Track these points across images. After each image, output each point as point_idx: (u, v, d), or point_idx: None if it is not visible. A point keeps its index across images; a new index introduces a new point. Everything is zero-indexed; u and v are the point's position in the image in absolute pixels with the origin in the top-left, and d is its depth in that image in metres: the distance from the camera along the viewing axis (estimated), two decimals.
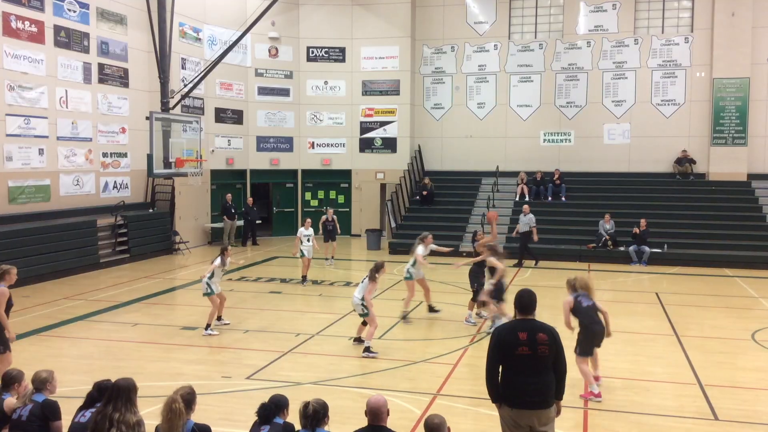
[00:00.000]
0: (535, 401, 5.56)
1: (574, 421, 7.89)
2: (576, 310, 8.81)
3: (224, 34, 23.39)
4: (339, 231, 20.05)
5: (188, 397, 5.08)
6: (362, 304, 10.55)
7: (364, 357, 10.45)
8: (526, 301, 5.79)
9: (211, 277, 11.91)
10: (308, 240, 16.79)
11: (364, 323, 10.90)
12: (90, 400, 5.50)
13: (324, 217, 19.85)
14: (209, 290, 11.90)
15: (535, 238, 19.92)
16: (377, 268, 10.69)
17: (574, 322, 8.83)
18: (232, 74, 24.59)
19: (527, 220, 19.97)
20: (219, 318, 12.36)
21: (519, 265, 19.65)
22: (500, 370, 5.68)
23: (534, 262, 19.96)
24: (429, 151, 26.62)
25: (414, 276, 13.12)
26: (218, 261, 12.02)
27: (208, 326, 11.86)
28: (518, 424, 5.59)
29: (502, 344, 5.60)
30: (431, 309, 13.40)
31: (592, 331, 8.71)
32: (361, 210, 26.25)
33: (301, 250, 16.74)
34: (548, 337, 5.62)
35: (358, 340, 11.10)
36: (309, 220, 17.53)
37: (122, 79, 20.70)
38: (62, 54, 18.43)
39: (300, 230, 17.05)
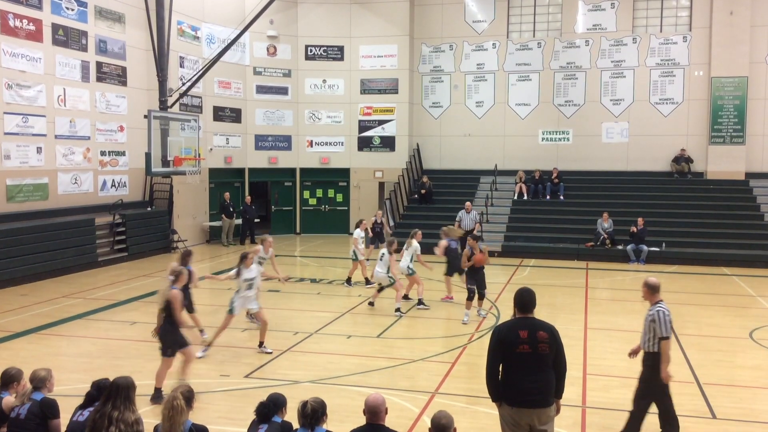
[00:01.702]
0: (535, 400, 5.56)
1: (572, 420, 7.90)
2: (447, 250, 14.43)
3: (222, 33, 23.37)
4: (390, 232, 19.36)
5: (187, 395, 5.09)
6: (389, 276, 13.21)
7: (419, 308, 13.61)
8: (526, 299, 5.78)
9: (238, 292, 10.55)
10: (362, 242, 16.38)
11: (380, 290, 13.70)
12: (89, 399, 5.50)
13: (373, 219, 19.21)
14: (229, 307, 10.55)
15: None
16: (390, 244, 13.50)
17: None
18: (230, 73, 24.58)
19: (472, 217, 19.98)
20: (260, 344, 10.67)
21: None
22: (500, 368, 5.69)
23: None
24: (427, 149, 26.62)
25: (413, 271, 14.10)
26: (233, 272, 10.55)
27: (208, 346, 10.53)
28: (518, 423, 5.59)
29: (503, 343, 5.60)
30: (406, 296, 14.39)
31: (453, 263, 14.16)
32: (360, 208, 26.23)
33: (354, 252, 16.12)
34: (548, 335, 5.62)
35: (372, 304, 13.74)
36: (365, 221, 17.05)
37: (120, 77, 20.68)
38: (60, 52, 18.41)
39: (356, 231, 16.44)
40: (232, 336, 11.66)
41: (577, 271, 18.88)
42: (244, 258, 10.43)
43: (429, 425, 4.83)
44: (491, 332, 5.84)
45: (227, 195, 23.72)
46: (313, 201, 26.82)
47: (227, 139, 24.89)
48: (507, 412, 5.63)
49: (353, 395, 8.64)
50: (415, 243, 14.16)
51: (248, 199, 24.48)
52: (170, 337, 8.50)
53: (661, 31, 24.47)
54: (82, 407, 5.52)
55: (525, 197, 23.73)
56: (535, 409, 5.56)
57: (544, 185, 23.84)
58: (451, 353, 10.68)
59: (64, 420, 5.63)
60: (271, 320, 12.69)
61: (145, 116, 18.70)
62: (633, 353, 7.58)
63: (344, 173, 26.56)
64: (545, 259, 20.24)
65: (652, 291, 7.12)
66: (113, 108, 20.44)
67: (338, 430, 5.34)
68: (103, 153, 20.18)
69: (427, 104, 26.63)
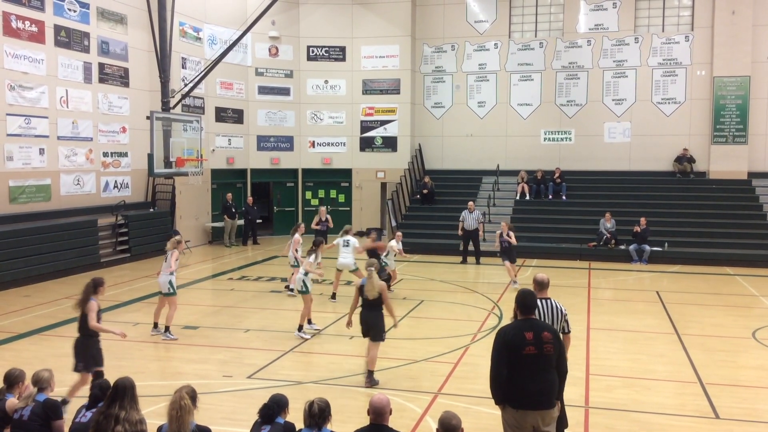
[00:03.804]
0: (540, 401, 5.56)
1: (574, 420, 7.88)
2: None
3: (224, 34, 23.39)
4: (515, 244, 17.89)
5: (192, 395, 5.11)
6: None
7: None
8: (528, 301, 5.79)
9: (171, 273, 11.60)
10: (387, 255, 15.34)
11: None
12: (93, 400, 5.51)
13: (498, 233, 17.38)
14: (173, 290, 11.60)
15: (481, 234, 20.03)
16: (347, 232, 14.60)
17: None
18: (232, 73, 24.59)
19: (475, 217, 19.97)
20: (155, 325, 11.89)
21: (464, 262, 20.05)
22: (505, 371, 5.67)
23: (476, 260, 20.11)
24: (429, 150, 26.62)
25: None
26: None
27: (166, 329, 11.56)
28: (522, 425, 5.58)
29: (509, 345, 5.58)
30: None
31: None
32: (362, 209, 26.24)
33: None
34: (552, 335, 5.64)
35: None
36: (399, 234, 16.53)
37: (123, 78, 20.70)
38: (62, 54, 18.43)
39: (391, 243, 15.64)
40: (234, 337, 11.68)
41: (579, 271, 18.86)
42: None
43: (433, 426, 4.83)
44: (495, 335, 5.82)
45: (229, 196, 23.72)
46: (315, 201, 26.80)
47: (229, 139, 24.90)
48: (511, 415, 5.62)
49: (356, 396, 8.65)
50: (393, 242, 15.48)
51: (250, 199, 24.49)
52: (383, 324, 9.25)
53: (663, 31, 24.44)
54: (86, 408, 5.54)
55: (527, 197, 23.71)
56: (540, 411, 5.56)
57: (546, 185, 23.82)
58: (454, 354, 10.67)
59: (68, 421, 5.64)
60: (274, 321, 12.73)
61: (148, 117, 18.70)
62: None
63: (346, 174, 26.56)
64: (547, 260, 20.21)
65: (538, 287, 7.09)
66: (115, 109, 20.47)
67: (342, 431, 5.34)
68: (105, 154, 20.20)
69: (429, 104, 26.62)
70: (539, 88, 25.44)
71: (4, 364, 7.50)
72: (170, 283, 11.49)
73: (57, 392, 6.01)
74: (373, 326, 9.25)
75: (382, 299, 9.25)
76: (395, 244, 15.66)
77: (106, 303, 14.23)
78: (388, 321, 9.44)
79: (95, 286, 8.25)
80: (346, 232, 14.92)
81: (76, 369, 8.04)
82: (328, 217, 18.20)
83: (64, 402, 7.77)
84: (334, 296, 14.73)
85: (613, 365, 10.15)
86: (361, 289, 9.34)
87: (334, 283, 14.90)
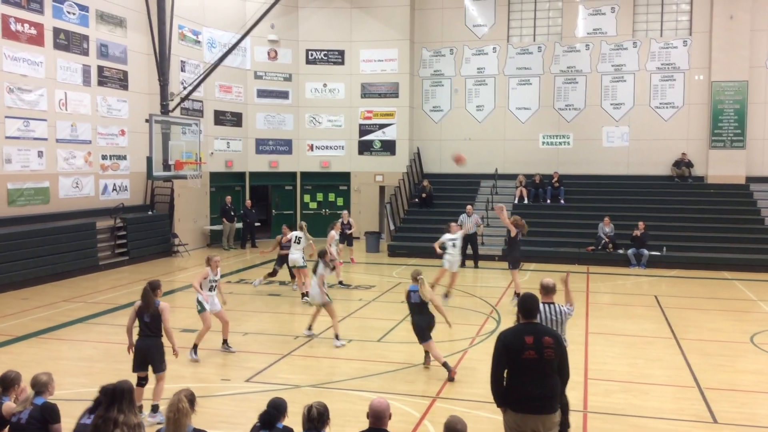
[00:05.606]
0: (541, 406, 5.55)
1: (573, 424, 7.87)
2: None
3: (223, 37, 23.41)
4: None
5: (190, 398, 5.11)
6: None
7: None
8: (530, 305, 5.80)
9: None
10: (453, 245, 14.35)
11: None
12: (98, 404, 5.49)
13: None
14: (200, 307, 10.68)
15: (480, 237, 20.15)
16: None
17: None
18: (231, 77, 24.60)
19: (473, 220, 20.03)
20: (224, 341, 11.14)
21: (462, 265, 19.86)
22: (505, 374, 5.68)
23: (474, 263, 20.12)
24: (428, 153, 26.63)
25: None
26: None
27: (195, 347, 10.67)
28: (522, 429, 5.59)
29: (509, 349, 5.59)
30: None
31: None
32: (360, 212, 26.23)
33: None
34: (553, 340, 5.63)
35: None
36: (452, 224, 15.01)
37: (122, 81, 20.71)
38: (62, 56, 18.43)
39: (445, 236, 14.56)
40: (232, 340, 11.64)
41: (577, 275, 18.86)
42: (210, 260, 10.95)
43: (431, 430, 4.82)
44: (496, 338, 5.84)
45: (228, 199, 23.74)
46: (313, 205, 26.82)
47: (228, 143, 24.91)
48: (512, 418, 5.63)
49: (354, 399, 8.64)
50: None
51: (249, 203, 24.48)
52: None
53: (661, 36, 24.49)
54: (90, 411, 5.52)
55: (525, 201, 23.72)
56: (540, 415, 5.56)
57: (544, 189, 23.84)
58: (452, 358, 10.66)
59: (66, 424, 5.62)
60: (272, 325, 12.72)
61: (147, 120, 18.70)
62: None
63: (345, 177, 26.56)
64: (546, 264, 20.20)
65: (544, 291, 7.13)
66: (114, 112, 20.47)
67: None
68: (104, 157, 20.19)
69: (427, 108, 26.64)
70: (538, 92, 25.47)
71: (2, 367, 7.47)
72: (197, 301, 10.77)
73: (58, 396, 5.99)
74: (427, 328, 9.77)
75: (432, 303, 9.82)
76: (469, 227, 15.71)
77: (103, 306, 14.28)
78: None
79: (154, 289, 8.27)
80: (301, 229, 15.52)
81: (161, 370, 8.17)
82: (351, 220, 20.01)
83: (155, 409, 8.02)
84: (304, 296, 14.64)
85: (611, 369, 10.16)
86: (408, 296, 9.83)
87: (298, 283, 15.39)
